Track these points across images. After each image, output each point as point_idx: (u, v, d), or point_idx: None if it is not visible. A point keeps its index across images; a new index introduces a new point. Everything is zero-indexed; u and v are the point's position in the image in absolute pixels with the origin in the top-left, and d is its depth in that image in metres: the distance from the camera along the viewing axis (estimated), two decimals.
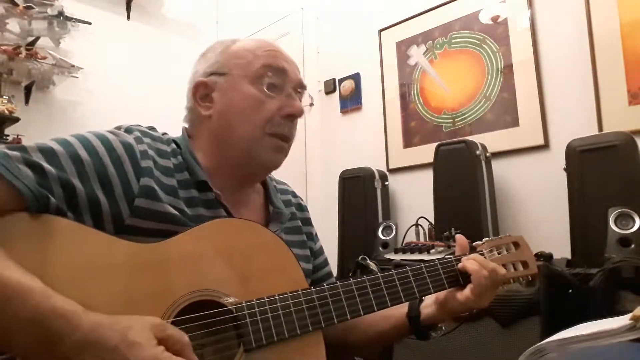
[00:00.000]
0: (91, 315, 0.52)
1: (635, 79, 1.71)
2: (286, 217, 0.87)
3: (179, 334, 0.55)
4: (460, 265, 0.81)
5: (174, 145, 0.78)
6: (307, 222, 0.96)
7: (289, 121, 0.80)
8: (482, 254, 0.85)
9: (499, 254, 0.87)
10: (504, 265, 0.84)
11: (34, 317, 0.49)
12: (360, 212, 2.21)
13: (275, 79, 0.80)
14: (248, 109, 0.78)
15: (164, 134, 0.80)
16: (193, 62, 0.88)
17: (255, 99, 0.78)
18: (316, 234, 0.97)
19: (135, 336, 0.51)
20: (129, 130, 0.73)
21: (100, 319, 0.52)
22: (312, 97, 0.89)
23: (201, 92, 0.82)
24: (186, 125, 0.85)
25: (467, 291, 0.78)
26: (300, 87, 0.84)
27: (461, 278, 0.81)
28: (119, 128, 0.73)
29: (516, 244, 0.89)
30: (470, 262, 0.80)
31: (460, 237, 0.88)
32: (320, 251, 0.98)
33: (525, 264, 0.87)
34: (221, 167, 0.80)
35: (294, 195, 0.97)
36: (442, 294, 0.81)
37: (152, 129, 0.78)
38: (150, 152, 0.71)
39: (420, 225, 2.02)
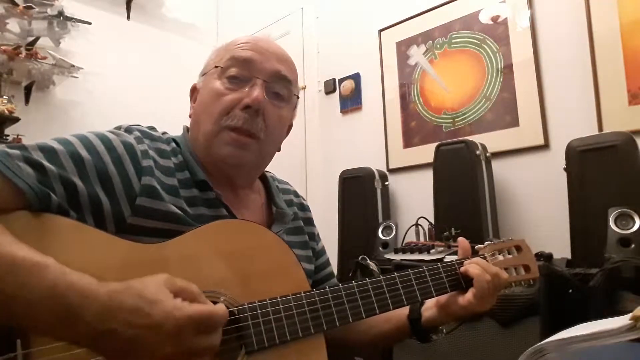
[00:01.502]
0: (106, 285, 0.52)
1: (635, 79, 1.71)
2: (289, 217, 0.87)
3: (188, 284, 0.56)
4: (462, 268, 0.81)
5: (174, 145, 0.78)
6: (309, 222, 0.95)
7: (247, 113, 0.75)
8: (485, 258, 0.85)
9: (501, 257, 0.87)
10: (505, 269, 0.84)
11: (53, 293, 0.50)
12: (360, 212, 2.21)
13: (240, 70, 0.77)
14: (209, 104, 0.78)
15: (164, 133, 0.80)
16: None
17: (216, 92, 0.77)
18: (318, 234, 0.97)
19: (153, 294, 0.52)
20: (129, 130, 0.73)
21: (115, 287, 0.52)
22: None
23: (195, 95, 0.84)
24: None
25: (469, 295, 0.78)
26: (275, 77, 0.79)
27: (463, 281, 0.81)
28: (119, 128, 0.73)
29: (518, 248, 0.89)
30: (472, 267, 0.79)
31: (462, 241, 0.88)
32: (322, 252, 0.97)
33: (527, 268, 0.88)
34: (210, 166, 0.79)
35: (296, 195, 0.97)
36: (443, 297, 0.81)
37: (152, 128, 0.78)
38: (151, 151, 0.71)
39: (420, 225, 2.02)
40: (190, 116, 0.84)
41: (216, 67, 0.79)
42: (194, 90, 0.85)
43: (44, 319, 0.50)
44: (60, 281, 0.50)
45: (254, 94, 0.76)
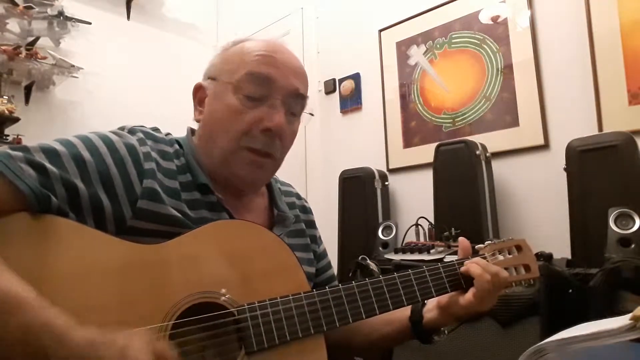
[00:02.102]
0: (83, 331, 0.50)
1: (635, 79, 1.71)
2: (290, 220, 0.86)
3: (167, 350, 0.54)
4: (463, 268, 0.81)
5: (177, 146, 0.77)
6: (311, 224, 0.95)
7: (267, 136, 0.75)
8: (485, 258, 0.85)
9: (501, 257, 0.87)
10: (506, 269, 0.83)
11: (25, 332, 0.48)
12: (360, 212, 2.21)
13: (259, 87, 0.75)
14: (226, 120, 0.75)
15: (167, 134, 0.79)
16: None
17: (234, 109, 0.75)
18: (319, 237, 0.97)
19: (134, 357, 0.50)
20: (132, 131, 0.73)
21: (93, 337, 0.50)
22: (312, 109, 0.83)
23: (200, 95, 0.81)
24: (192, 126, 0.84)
25: (469, 295, 0.77)
26: (292, 96, 0.78)
27: (464, 281, 0.81)
28: (122, 129, 0.73)
29: (518, 247, 0.89)
30: (473, 266, 0.79)
31: (463, 240, 0.87)
32: (324, 254, 0.97)
33: (527, 268, 0.87)
34: (220, 177, 0.78)
35: (298, 197, 0.97)
36: (444, 297, 0.81)
37: (156, 129, 0.77)
38: (153, 154, 0.71)
39: (420, 225, 2.02)
40: (197, 120, 0.80)
41: (230, 82, 0.76)
42: (198, 90, 0.82)
43: (15, 356, 0.48)
44: (34, 320, 0.48)
45: (275, 119, 0.75)
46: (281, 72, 0.77)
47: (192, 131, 0.83)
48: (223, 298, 0.64)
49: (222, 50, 0.82)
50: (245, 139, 0.75)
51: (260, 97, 0.75)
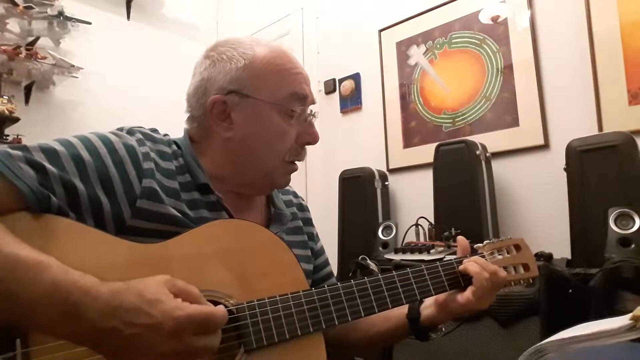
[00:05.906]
0: (108, 285, 0.53)
1: (635, 79, 1.71)
2: (287, 218, 0.87)
3: (188, 286, 0.57)
4: (461, 267, 0.81)
5: (175, 147, 0.77)
6: (308, 222, 0.96)
7: (304, 147, 0.82)
8: (483, 256, 0.85)
9: (500, 256, 0.87)
10: (504, 268, 0.84)
11: (54, 291, 0.50)
12: (360, 212, 2.21)
13: (298, 105, 0.79)
14: (273, 141, 0.78)
15: (165, 135, 0.80)
16: (199, 61, 0.82)
17: (281, 130, 0.78)
18: (317, 234, 0.97)
19: (153, 294, 0.53)
20: (130, 132, 0.73)
21: (117, 287, 0.53)
22: (317, 112, 0.85)
23: (218, 108, 0.76)
24: (188, 127, 0.82)
25: (467, 293, 0.78)
26: (312, 104, 0.83)
27: (462, 280, 0.81)
28: (120, 129, 0.73)
29: (517, 247, 0.89)
30: (471, 264, 0.80)
31: (461, 239, 0.88)
32: (321, 251, 0.97)
33: (526, 267, 0.88)
34: (230, 178, 0.79)
35: (295, 195, 0.97)
36: (442, 295, 0.81)
37: (154, 130, 0.78)
38: (152, 154, 0.71)
39: (420, 225, 2.02)
40: (229, 138, 0.77)
41: (273, 103, 0.76)
42: (216, 104, 0.76)
43: (47, 316, 0.50)
44: (62, 279, 0.51)
45: (314, 132, 0.81)
46: (309, 87, 0.82)
47: (190, 137, 0.81)
48: (222, 297, 0.64)
49: (245, 63, 0.77)
50: (289, 154, 0.80)
51: (298, 113, 0.79)
